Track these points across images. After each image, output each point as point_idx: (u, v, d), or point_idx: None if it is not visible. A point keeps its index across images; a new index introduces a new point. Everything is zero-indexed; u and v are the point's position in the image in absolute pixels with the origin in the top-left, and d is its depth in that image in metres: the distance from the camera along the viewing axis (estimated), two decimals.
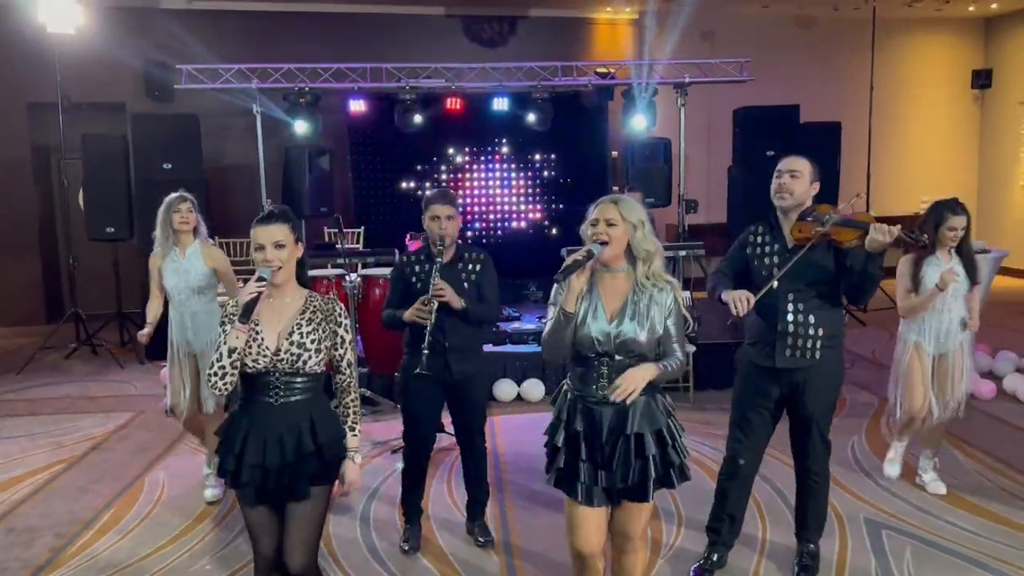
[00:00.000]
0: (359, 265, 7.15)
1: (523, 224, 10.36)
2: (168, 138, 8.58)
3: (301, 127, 9.01)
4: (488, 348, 6.98)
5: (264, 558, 2.86)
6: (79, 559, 4.11)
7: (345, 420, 2.92)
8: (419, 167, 9.95)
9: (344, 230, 8.99)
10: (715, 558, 3.83)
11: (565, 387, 2.99)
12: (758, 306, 3.47)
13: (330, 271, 6.46)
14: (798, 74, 11.35)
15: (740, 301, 3.36)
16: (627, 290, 2.86)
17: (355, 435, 2.92)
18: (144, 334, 4.72)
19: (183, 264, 4.65)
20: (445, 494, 4.84)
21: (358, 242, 9.02)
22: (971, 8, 12.12)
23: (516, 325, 7.55)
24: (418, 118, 9.20)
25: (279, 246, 2.75)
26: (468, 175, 10.20)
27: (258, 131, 8.82)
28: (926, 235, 3.67)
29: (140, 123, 8.79)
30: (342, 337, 2.84)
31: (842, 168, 9.72)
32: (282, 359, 2.75)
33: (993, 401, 6.38)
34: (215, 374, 2.71)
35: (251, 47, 9.76)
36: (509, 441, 5.75)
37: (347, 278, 6.31)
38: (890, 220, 3.55)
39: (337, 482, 2.90)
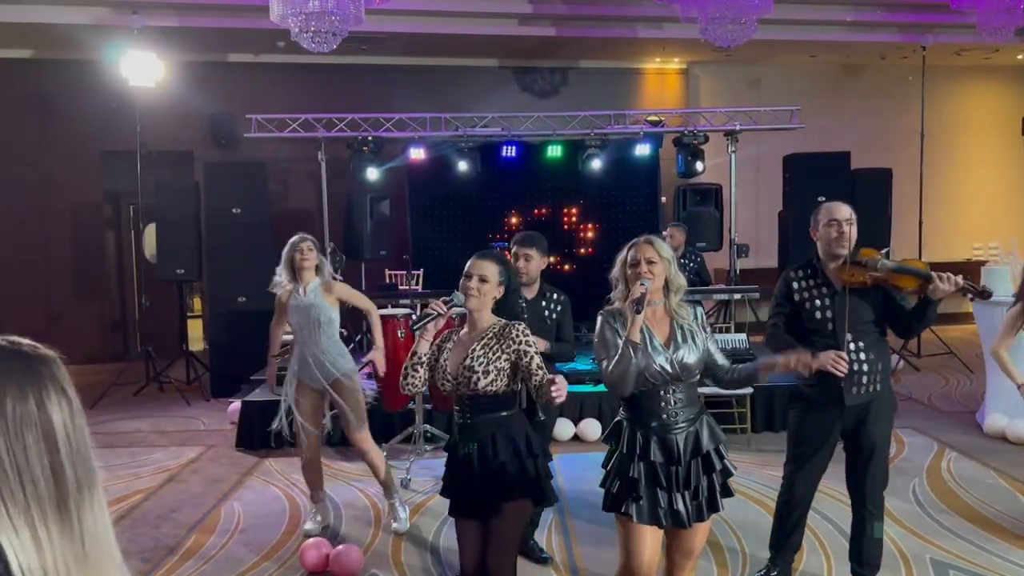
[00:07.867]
0: (420, 305, 7.38)
1: (575, 267, 10.56)
2: (237, 184, 8.97)
3: (366, 174, 9.35)
4: None
5: (464, 573, 3.10)
6: None
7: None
8: (475, 211, 10.23)
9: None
10: (775, 573, 4.03)
11: (624, 423, 3.13)
12: (821, 348, 3.59)
13: (397, 310, 6.71)
14: (847, 121, 11.45)
15: (839, 362, 3.45)
16: (668, 320, 3.12)
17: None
18: (272, 373, 5.20)
19: (304, 300, 4.85)
20: None
21: (418, 283, 9.28)
22: (1020, 56, 12.16)
23: (571, 366, 7.68)
24: (474, 165, 9.50)
25: (483, 280, 3.12)
26: (522, 219, 10.46)
27: (322, 178, 9.18)
28: (987, 286, 3.77)
29: (211, 170, 9.19)
30: (523, 350, 3.06)
31: (893, 215, 9.78)
32: (460, 381, 3.09)
33: None
34: (403, 374, 3.17)
35: (315, 97, 10.17)
36: (570, 479, 5.86)
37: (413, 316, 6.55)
38: (942, 268, 3.73)
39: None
